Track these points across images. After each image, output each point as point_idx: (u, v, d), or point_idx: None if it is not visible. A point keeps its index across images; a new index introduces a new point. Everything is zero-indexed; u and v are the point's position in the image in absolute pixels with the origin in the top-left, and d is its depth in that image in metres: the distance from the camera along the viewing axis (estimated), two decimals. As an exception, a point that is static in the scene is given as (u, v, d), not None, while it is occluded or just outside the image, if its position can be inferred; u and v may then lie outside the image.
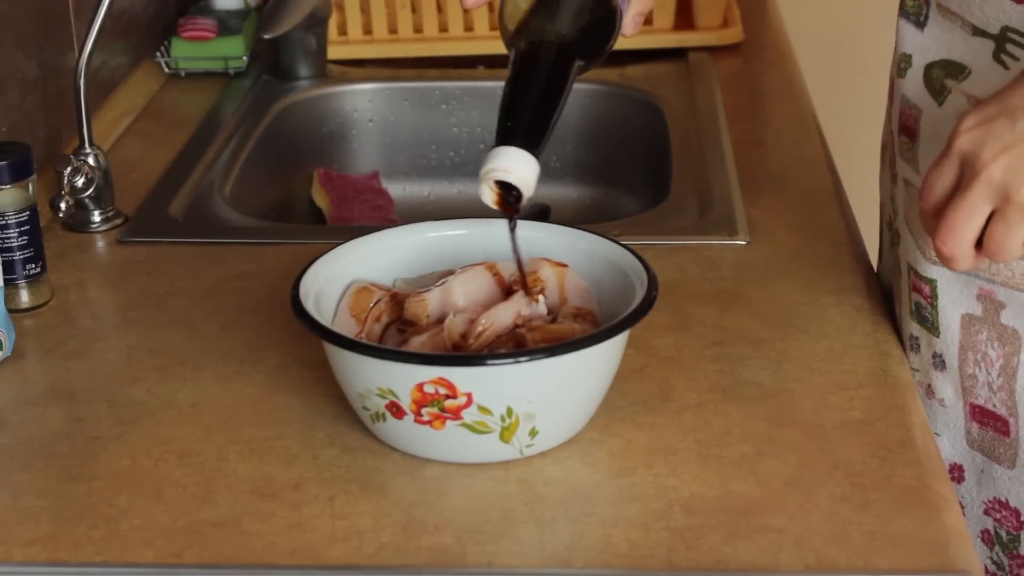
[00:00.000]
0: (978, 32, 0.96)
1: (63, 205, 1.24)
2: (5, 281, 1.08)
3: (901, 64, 1.03)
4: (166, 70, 1.65)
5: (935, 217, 0.86)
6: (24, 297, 1.12)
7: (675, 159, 1.42)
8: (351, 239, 1.01)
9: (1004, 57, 0.94)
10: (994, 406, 1.02)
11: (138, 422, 0.98)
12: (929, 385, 1.06)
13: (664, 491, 0.89)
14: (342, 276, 0.99)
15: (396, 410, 0.90)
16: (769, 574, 0.82)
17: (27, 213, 1.10)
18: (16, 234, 1.10)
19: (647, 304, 0.92)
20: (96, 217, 1.28)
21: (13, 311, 1.09)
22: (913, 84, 1.02)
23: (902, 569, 0.83)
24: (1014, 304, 0.99)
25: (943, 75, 0.99)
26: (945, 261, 0.86)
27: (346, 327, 0.96)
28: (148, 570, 0.84)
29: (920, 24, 1.01)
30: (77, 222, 1.27)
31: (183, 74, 1.65)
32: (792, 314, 1.09)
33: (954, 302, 1.02)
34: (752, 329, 1.07)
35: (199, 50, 1.63)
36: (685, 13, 1.72)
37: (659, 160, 1.48)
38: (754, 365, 1.03)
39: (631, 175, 1.60)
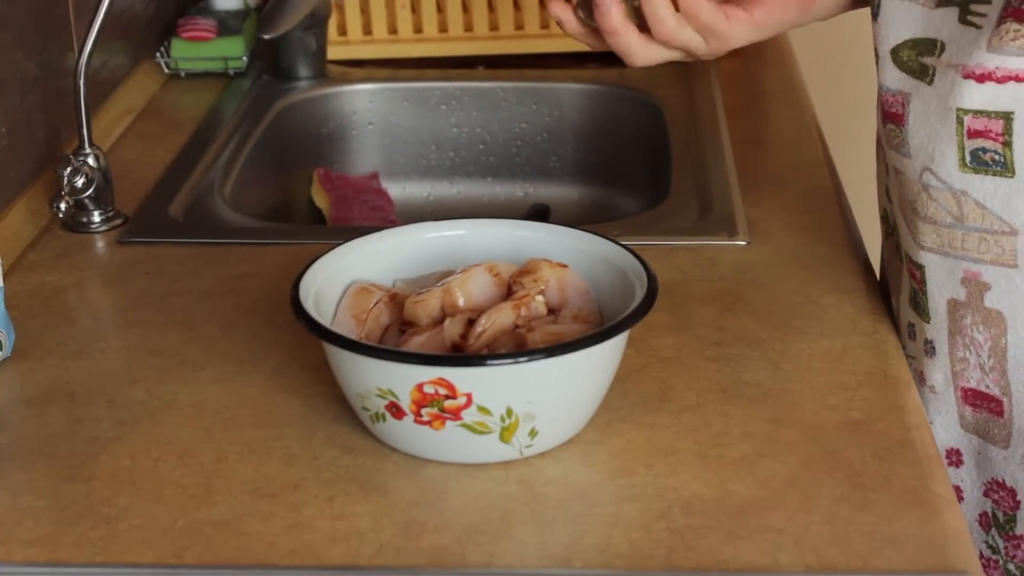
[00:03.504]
0: (942, 3, 0.99)
1: (63, 205, 1.24)
2: None
3: (875, 58, 1.05)
4: (166, 70, 1.65)
5: None
6: None
7: (675, 159, 1.42)
8: (351, 239, 1.01)
9: (971, 18, 0.97)
10: (987, 387, 1.03)
11: (138, 422, 0.98)
12: (921, 372, 1.07)
13: (664, 491, 0.89)
14: (342, 277, 0.99)
15: (396, 410, 0.90)
16: (769, 574, 0.82)
17: None
18: None
19: (647, 304, 0.92)
20: (96, 217, 1.28)
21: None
22: (888, 72, 1.03)
23: (902, 569, 0.83)
24: (1000, 284, 1.00)
25: (916, 54, 1.01)
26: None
27: (346, 327, 0.96)
28: (148, 570, 0.84)
29: (875, 15, 1.04)
30: (77, 222, 1.27)
31: (183, 74, 1.65)
32: (792, 314, 1.09)
33: (940, 288, 1.03)
34: (752, 329, 1.07)
35: (199, 50, 1.63)
36: (685, 13, 1.72)
37: (659, 160, 1.48)
38: (754, 365, 1.03)
39: (631, 175, 1.60)
